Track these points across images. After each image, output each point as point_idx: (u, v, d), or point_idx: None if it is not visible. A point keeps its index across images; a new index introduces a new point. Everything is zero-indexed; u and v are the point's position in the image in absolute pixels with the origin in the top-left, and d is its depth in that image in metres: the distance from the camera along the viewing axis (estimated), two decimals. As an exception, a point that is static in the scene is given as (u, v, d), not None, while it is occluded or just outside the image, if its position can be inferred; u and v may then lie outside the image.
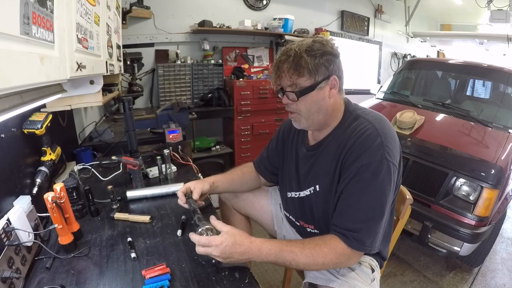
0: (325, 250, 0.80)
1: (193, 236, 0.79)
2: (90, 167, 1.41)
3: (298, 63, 0.82)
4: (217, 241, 0.76)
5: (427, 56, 5.70)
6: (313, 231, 1.02)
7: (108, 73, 1.23)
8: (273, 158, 1.17)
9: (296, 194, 1.04)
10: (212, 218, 0.85)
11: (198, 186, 1.02)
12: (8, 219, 0.75)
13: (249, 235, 0.81)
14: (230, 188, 1.16)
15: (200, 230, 0.79)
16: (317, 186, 0.94)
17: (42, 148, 1.13)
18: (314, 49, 0.83)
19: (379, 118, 0.88)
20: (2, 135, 0.92)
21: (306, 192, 0.98)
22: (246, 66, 3.57)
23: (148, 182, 1.36)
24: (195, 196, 0.99)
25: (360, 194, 0.81)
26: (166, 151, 1.35)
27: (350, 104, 0.95)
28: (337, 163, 0.87)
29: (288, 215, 1.13)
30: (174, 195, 1.22)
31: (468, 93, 2.73)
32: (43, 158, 1.12)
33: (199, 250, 0.77)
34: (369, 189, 0.80)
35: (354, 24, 4.57)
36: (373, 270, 0.95)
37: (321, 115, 0.90)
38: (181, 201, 1.00)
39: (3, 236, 0.72)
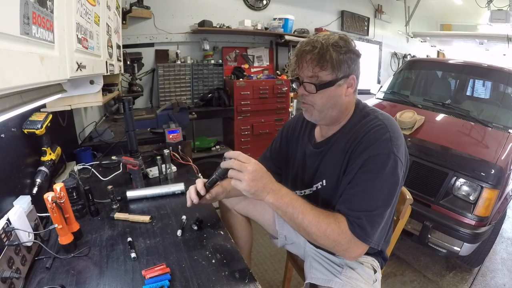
0: (331, 219, 0.79)
1: (230, 153, 0.81)
2: (90, 167, 1.41)
3: (323, 56, 0.82)
4: (255, 161, 0.80)
5: (427, 56, 5.70)
6: None
7: (108, 73, 1.23)
8: (276, 158, 1.16)
9: (301, 193, 1.03)
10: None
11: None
12: (8, 219, 0.75)
13: (270, 180, 0.83)
14: (240, 193, 1.13)
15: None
16: (324, 181, 0.94)
17: (42, 148, 1.13)
18: (340, 45, 0.83)
19: (388, 117, 0.90)
20: (2, 135, 0.92)
21: (313, 189, 0.98)
22: (246, 66, 3.58)
23: (148, 182, 1.36)
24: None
25: (365, 184, 0.80)
26: (166, 151, 1.35)
27: (361, 103, 0.97)
28: (345, 156, 0.87)
29: None
30: (174, 195, 1.22)
31: (468, 93, 2.73)
32: (43, 158, 1.11)
33: (234, 163, 0.78)
34: (374, 180, 0.79)
35: (354, 24, 4.57)
36: (375, 271, 0.95)
37: (335, 112, 0.90)
38: (198, 185, 0.93)
39: (3, 236, 0.72)
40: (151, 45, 3.07)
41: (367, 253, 0.96)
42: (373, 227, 0.78)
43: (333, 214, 0.81)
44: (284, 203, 0.80)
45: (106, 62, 1.19)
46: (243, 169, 0.77)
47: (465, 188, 1.75)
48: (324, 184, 0.94)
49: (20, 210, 0.81)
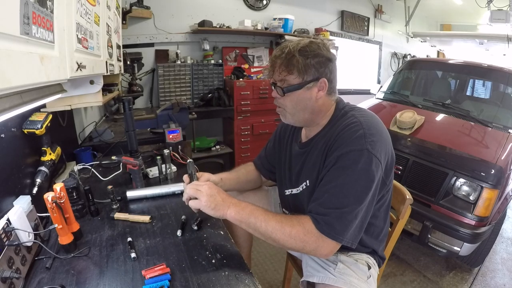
0: (294, 221, 0.82)
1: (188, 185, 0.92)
2: (90, 167, 1.41)
3: (290, 61, 0.86)
4: (208, 184, 0.90)
5: (427, 56, 5.70)
6: None
7: (108, 73, 1.23)
8: (270, 157, 1.19)
9: (290, 191, 1.05)
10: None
11: (205, 173, 1.06)
12: (8, 219, 0.75)
13: (228, 195, 0.90)
14: (236, 186, 1.17)
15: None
16: (308, 181, 0.95)
17: (42, 148, 1.13)
18: (308, 50, 0.85)
19: (367, 114, 0.89)
20: (2, 135, 0.92)
21: (300, 189, 1.00)
22: (246, 66, 3.57)
23: (148, 182, 1.36)
24: (199, 176, 1.03)
25: (337, 181, 0.80)
26: (166, 151, 1.35)
27: (341, 102, 0.97)
28: (322, 156, 0.89)
29: (286, 213, 1.14)
30: (174, 195, 1.22)
31: (468, 93, 2.73)
32: (43, 158, 1.11)
33: (192, 187, 0.89)
34: (346, 177, 0.79)
35: (354, 24, 4.57)
36: (369, 267, 0.95)
37: (307, 114, 0.92)
38: (185, 180, 1.01)
39: (3, 236, 0.72)
40: (151, 45, 3.07)
41: (361, 251, 0.97)
42: (342, 224, 0.78)
43: (296, 216, 0.85)
44: (245, 214, 0.85)
45: (106, 62, 1.19)
46: (199, 189, 0.88)
47: (465, 188, 1.75)
48: (308, 184, 0.95)
49: (20, 210, 0.81)
